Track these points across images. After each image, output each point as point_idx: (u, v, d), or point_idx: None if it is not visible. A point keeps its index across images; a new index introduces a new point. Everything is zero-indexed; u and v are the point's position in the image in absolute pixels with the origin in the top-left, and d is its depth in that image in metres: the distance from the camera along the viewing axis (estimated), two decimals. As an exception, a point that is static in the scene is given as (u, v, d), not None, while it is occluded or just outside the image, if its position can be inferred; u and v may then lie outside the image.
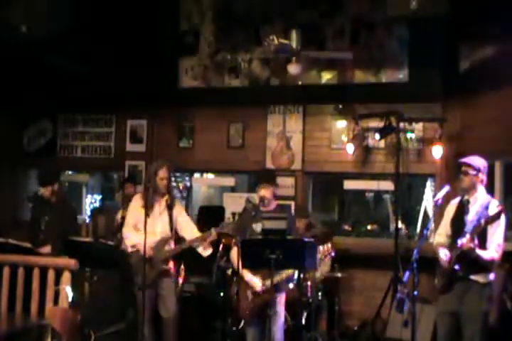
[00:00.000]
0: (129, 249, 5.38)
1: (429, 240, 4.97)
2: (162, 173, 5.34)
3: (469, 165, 4.60)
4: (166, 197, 5.39)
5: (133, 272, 5.33)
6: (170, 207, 5.38)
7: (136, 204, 5.44)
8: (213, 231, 5.22)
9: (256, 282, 4.92)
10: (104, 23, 7.48)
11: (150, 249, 5.25)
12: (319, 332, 6.08)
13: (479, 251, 4.37)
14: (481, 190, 4.66)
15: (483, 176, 4.65)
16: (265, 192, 5.06)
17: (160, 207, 5.40)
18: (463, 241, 4.36)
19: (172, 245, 5.43)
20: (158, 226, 5.37)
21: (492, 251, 4.43)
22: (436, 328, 5.14)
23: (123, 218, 5.96)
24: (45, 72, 7.68)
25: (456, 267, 4.49)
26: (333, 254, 5.18)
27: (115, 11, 7.46)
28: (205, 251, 5.36)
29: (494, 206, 4.52)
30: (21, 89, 7.89)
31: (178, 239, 5.51)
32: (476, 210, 4.58)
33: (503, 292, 5.26)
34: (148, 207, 5.29)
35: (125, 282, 5.78)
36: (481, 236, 4.42)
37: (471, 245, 4.33)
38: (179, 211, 5.50)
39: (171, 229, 5.39)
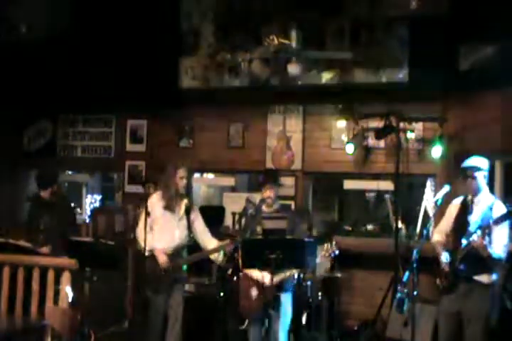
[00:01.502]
0: (146, 253, 5.30)
1: (429, 240, 4.97)
2: (182, 172, 5.31)
3: (477, 169, 4.58)
4: (185, 200, 5.36)
5: (147, 275, 5.32)
6: (188, 211, 5.32)
7: (155, 204, 5.35)
8: (228, 242, 5.19)
9: (265, 276, 4.89)
10: (104, 22, 7.47)
11: (167, 256, 5.22)
12: (319, 332, 6.08)
13: (490, 250, 4.36)
14: (485, 190, 4.65)
15: (486, 175, 4.65)
16: (270, 192, 5.08)
17: (180, 211, 5.34)
18: (474, 239, 4.34)
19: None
20: (177, 231, 5.31)
21: (499, 250, 4.43)
22: (436, 328, 5.14)
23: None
24: (45, 72, 7.67)
25: (462, 267, 4.48)
26: (337, 252, 5.18)
27: (115, 10, 7.46)
28: (218, 262, 5.37)
29: (499, 207, 4.51)
30: (21, 89, 7.88)
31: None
32: (480, 210, 4.56)
33: (503, 292, 5.26)
34: (170, 210, 5.27)
35: (138, 283, 5.79)
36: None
37: (484, 242, 4.32)
38: (196, 215, 5.43)
39: (189, 234, 5.35)
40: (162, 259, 5.18)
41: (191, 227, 5.35)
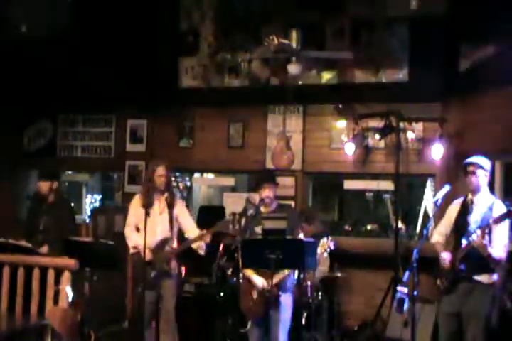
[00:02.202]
0: (131, 250, 5.41)
1: (430, 240, 4.97)
2: (160, 170, 5.39)
3: (478, 166, 4.58)
4: (166, 195, 5.40)
5: (135, 272, 5.37)
6: (170, 206, 5.37)
7: (137, 203, 5.46)
8: (205, 231, 5.28)
9: (261, 280, 4.91)
10: (104, 22, 7.48)
11: (149, 251, 5.25)
12: (319, 332, 6.08)
13: (490, 249, 4.36)
14: (485, 190, 4.65)
15: (488, 176, 4.65)
16: (270, 192, 5.08)
17: (160, 205, 5.41)
18: (474, 238, 4.34)
19: (175, 244, 5.45)
20: (158, 226, 5.38)
21: (499, 250, 4.43)
22: (436, 328, 5.14)
23: None
24: (45, 72, 7.67)
25: (462, 267, 4.48)
26: (332, 247, 5.18)
27: (115, 10, 7.46)
28: (201, 251, 5.40)
29: (499, 207, 4.51)
30: (21, 89, 7.88)
31: (182, 237, 5.55)
32: (480, 211, 4.56)
33: (503, 292, 5.26)
34: (147, 206, 5.30)
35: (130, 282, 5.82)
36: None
37: (484, 241, 4.31)
38: (180, 210, 5.50)
39: (171, 228, 5.39)
40: (146, 255, 5.19)
41: (176, 221, 5.42)
